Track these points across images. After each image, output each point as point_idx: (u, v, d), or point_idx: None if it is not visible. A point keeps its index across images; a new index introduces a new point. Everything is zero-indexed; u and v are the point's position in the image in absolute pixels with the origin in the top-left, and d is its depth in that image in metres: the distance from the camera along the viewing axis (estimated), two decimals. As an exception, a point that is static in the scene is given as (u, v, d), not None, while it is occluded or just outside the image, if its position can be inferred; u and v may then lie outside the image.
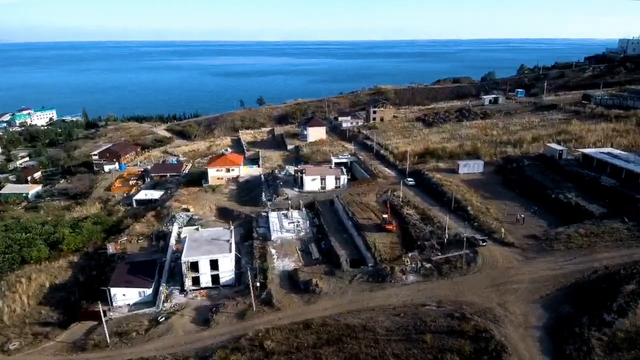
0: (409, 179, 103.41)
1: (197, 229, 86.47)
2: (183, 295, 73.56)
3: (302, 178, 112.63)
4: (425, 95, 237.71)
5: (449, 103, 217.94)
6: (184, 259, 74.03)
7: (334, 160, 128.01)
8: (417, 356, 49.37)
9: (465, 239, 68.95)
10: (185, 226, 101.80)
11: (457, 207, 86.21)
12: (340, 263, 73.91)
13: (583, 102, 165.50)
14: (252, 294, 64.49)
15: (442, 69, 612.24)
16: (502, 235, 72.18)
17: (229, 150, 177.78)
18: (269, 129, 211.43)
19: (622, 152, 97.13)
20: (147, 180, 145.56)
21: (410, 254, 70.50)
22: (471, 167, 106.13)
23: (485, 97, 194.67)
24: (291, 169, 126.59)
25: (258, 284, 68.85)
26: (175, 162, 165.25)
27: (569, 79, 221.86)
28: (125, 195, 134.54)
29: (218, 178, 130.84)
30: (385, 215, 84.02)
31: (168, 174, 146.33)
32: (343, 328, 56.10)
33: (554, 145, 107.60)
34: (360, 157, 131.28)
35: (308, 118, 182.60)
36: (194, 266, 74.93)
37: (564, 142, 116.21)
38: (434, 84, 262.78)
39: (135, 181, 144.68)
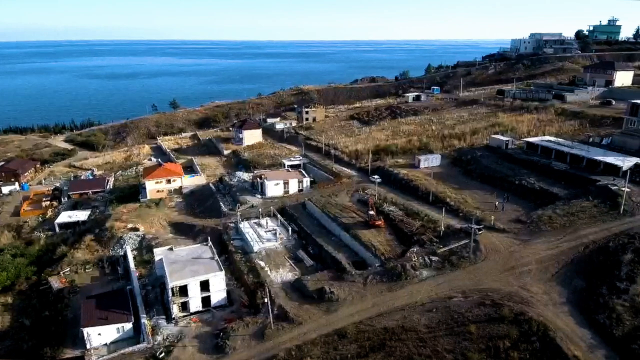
0: (376, 177, 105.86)
1: (171, 249, 78.76)
2: (172, 324, 66.66)
3: (262, 183, 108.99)
4: (347, 94, 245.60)
5: (372, 101, 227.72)
6: (171, 283, 67.01)
7: (287, 163, 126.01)
8: (470, 348, 51.13)
9: (470, 229, 72.71)
10: (137, 247, 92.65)
11: (435, 200, 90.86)
12: (343, 267, 73.24)
13: (498, 96, 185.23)
14: (269, 311, 60.81)
15: (329, 68, 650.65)
16: (492, 222, 77.85)
17: (153, 159, 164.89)
18: (190, 134, 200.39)
19: (560, 139, 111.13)
20: (64, 199, 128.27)
21: (415, 249, 72.53)
22: (430, 161, 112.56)
23: (408, 94, 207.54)
24: (244, 175, 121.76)
25: (266, 300, 64.99)
26: (91, 177, 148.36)
27: (476, 76, 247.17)
28: (40, 219, 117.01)
29: (158, 191, 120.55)
30: (371, 212, 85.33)
31: (90, 191, 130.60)
32: (382, 332, 55.77)
33: (499, 137, 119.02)
34: (312, 158, 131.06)
35: (242, 120, 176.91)
36: (182, 290, 68.27)
37: (501, 133, 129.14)
38: (352, 84, 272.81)
39: (48, 202, 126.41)
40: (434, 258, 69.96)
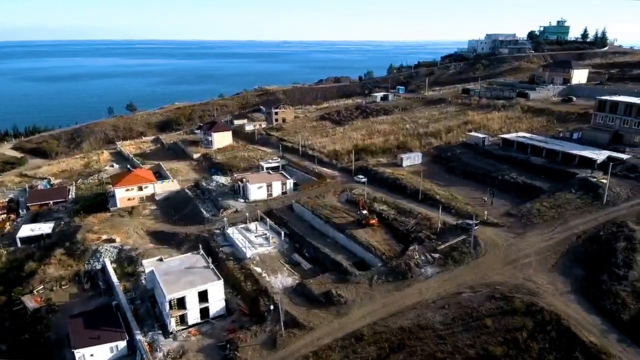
0: (361, 176, 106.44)
1: (161, 259, 75.22)
2: (171, 338, 63.68)
3: (244, 187, 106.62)
4: (313, 95, 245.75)
5: (339, 101, 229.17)
6: (169, 296, 63.93)
7: (265, 165, 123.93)
8: (490, 342, 52.19)
9: (466, 224, 74.41)
10: (116, 260, 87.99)
11: (425, 198, 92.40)
12: (344, 269, 72.83)
13: (463, 95, 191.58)
14: (280, 318, 59.33)
15: (285, 69, 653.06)
16: (485, 217, 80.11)
17: (115, 165, 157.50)
18: (152, 137, 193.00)
19: (534, 135, 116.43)
20: (22, 211, 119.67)
21: (415, 247, 73.31)
22: (412, 159, 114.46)
23: (376, 94, 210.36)
24: (222, 179, 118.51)
25: (272, 307, 63.45)
26: (49, 186, 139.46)
27: (438, 76, 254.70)
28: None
29: (129, 199, 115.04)
30: (364, 211, 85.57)
31: (51, 202, 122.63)
32: (398, 332, 55.89)
33: (475, 134, 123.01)
34: (290, 160, 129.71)
35: (210, 122, 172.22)
36: (180, 302, 65.35)
37: (474, 130, 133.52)
38: (317, 84, 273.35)
39: (4, 215, 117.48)
40: (436, 255, 71.02)
